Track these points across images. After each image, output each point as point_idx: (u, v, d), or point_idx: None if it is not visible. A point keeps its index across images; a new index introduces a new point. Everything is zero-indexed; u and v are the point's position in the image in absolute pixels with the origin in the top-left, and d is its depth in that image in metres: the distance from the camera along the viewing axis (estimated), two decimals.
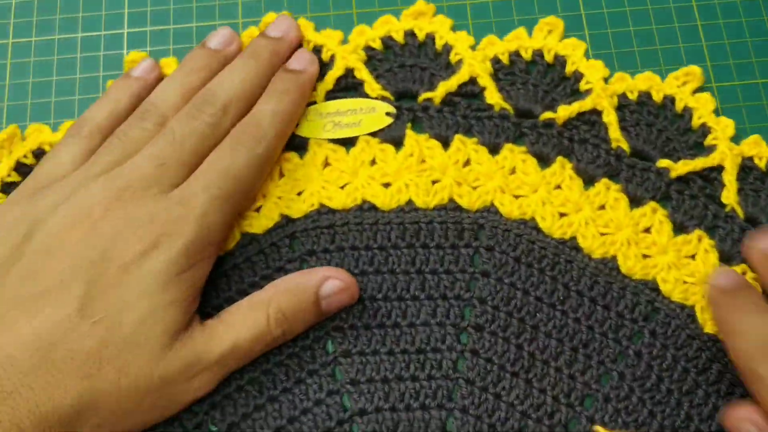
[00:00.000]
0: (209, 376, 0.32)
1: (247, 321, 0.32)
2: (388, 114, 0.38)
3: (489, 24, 0.41)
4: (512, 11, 0.42)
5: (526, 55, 0.40)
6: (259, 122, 0.35)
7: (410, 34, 0.40)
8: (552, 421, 0.33)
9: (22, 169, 0.37)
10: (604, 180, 0.37)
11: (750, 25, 0.41)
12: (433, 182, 0.37)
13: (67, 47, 0.41)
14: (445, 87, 0.38)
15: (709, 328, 0.35)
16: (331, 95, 0.39)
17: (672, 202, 0.37)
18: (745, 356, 0.32)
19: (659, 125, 0.38)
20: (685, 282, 0.35)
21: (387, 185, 0.37)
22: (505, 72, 0.39)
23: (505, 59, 0.40)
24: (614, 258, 0.36)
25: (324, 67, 0.39)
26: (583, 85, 0.39)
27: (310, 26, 0.40)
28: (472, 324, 0.35)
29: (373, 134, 0.38)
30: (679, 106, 0.39)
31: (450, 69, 0.39)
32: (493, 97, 0.38)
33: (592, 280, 0.35)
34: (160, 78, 0.38)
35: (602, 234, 0.36)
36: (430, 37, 0.40)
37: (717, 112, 0.39)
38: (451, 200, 0.37)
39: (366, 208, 0.37)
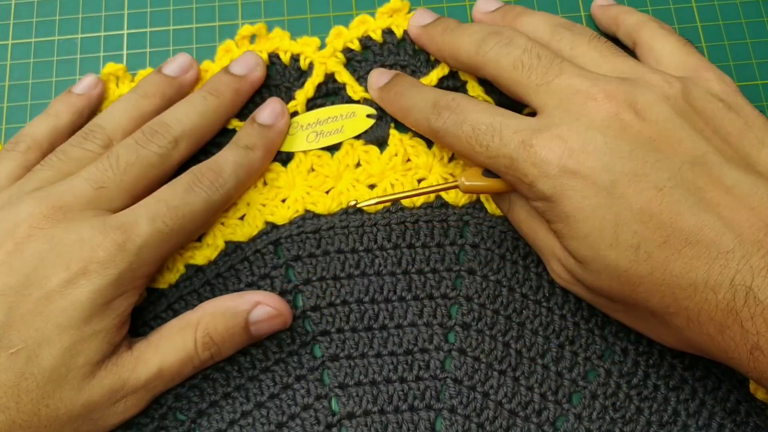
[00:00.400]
0: (135, 400, 0.31)
1: (175, 344, 0.32)
2: (368, 116, 0.38)
3: None
4: None
5: None
6: (221, 170, 0.34)
7: (388, 32, 0.40)
8: (540, 418, 0.33)
9: None
10: None
11: (750, 26, 0.41)
12: (419, 181, 0.37)
13: (67, 48, 0.41)
14: (426, 82, 0.38)
15: None
16: (312, 102, 0.39)
17: None
18: (422, 120, 0.34)
19: None
20: None
21: (372, 186, 0.37)
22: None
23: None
24: None
25: (303, 74, 0.39)
26: None
27: (286, 36, 0.40)
28: (459, 323, 0.35)
29: (357, 136, 0.38)
30: None
31: (431, 65, 0.39)
32: (474, 89, 0.38)
33: None
34: (104, 95, 0.38)
35: None
36: (408, 34, 0.40)
37: None
38: (438, 197, 0.37)
39: (351, 211, 0.37)
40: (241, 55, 0.38)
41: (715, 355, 0.28)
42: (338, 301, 0.35)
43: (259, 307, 0.33)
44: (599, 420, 0.33)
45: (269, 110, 0.37)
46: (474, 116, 0.32)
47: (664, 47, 0.35)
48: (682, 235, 0.27)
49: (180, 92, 0.37)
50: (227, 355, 0.33)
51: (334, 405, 0.34)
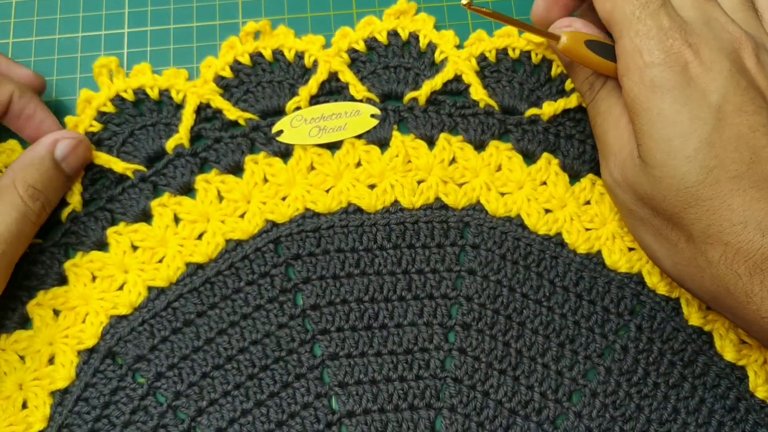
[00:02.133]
0: None
1: (3, 209, 0.33)
2: (373, 116, 0.38)
3: (489, 24, 0.41)
4: (512, 12, 0.41)
5: (513, 55, 0.39)
6: None
7: (393, 34, 0.40)
8: (540, 417, 0.33)
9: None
10: (590, 175, 0.37)
11: None
12: (419, 182, 0.37)
13: (68, 47, 0.41)
14: (431, 85, 0.38)
15: (694, 320, 0.35)
16: (315, 100, 0.39)
17: None
18: None
19: None
20: None
21: (372, 186, 0.37)
22: (491, 69, 0.39)
23: (491, 57, 0.39)
24: (599, 253, 0.36)
25: (307, 72, 0.39)
26: (568, 85, 0.39)
27: (291, 33, 0.40)
28: (459, 322, 0.35)
29: (359, 136, 0.38)
30: None
31: (434, 68, 0.39)
32: (478, 93, 0.38)
33: (577, 275, 0.35)
34: None
35: (587, 229, 0.36)
36: (414, 36, 0.40)
37: None
38: (437, 199, 0.37)
39: (351, 210, 0.37)
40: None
41: (732, 297, 0.30)
42: (338, 300, 0.35)
43: (59, 143, 0.35)
44: (599, 418, 0.33)
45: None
46: None
47: None
48: (754, 176, 0.29)
49: None
50: (56, 202, 0.36)
51: (334, 404, 0.34)
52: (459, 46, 0.40)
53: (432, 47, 0.40)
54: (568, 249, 0.36)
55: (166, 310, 0.35)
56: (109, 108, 0.38)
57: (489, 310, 0.35)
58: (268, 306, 0.35)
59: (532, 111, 0.38)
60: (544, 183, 0.37)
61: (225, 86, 0.39)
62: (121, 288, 0.36)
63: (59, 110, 0.39)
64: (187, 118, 0.38)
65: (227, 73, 0.39)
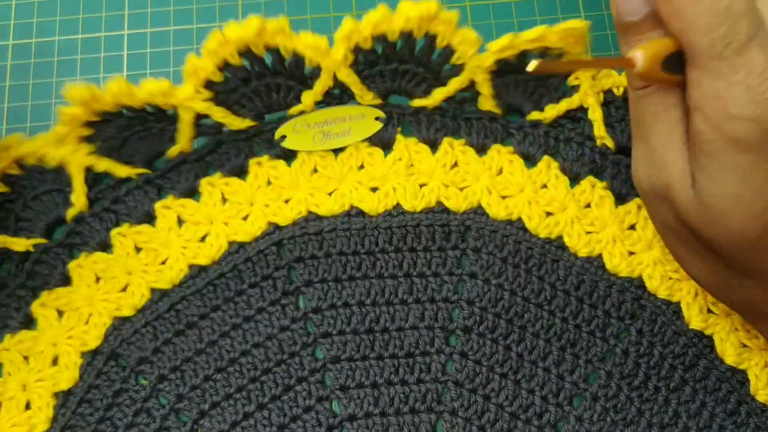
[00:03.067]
0: None
1: None
2: (377, 119, 0.38)
3: (489, 26, 0.41)
4: (512, 13, 0.41)
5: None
6: None
7: (401, 37, 0.39)
8: (541, 421, 0.33)
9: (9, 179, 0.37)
10: (590, 178, 0.37)
11: None
12: (421, 185, 0.37)
13: (68, 49, 0.41)
14: (444, 93, 0.37)
15: (695, 324, 0.35)
16: (319, 103, 0.39)
17: None
18: None
19: None
20: (670, 278, 0.35)
21: (375, 189, 0.37)
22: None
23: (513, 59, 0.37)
24: (600, 256, 0.36)
25: (311, 75, 0.39)
26: (571, 80, 0.39)
27: (293, 35, 0.40)
28: (461, 326, 0.35)
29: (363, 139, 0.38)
30: None
31: (444, 74, 0.38)
32: (486, 103, 0.38)
33: (578, 279, 0.35)
34: None
35: (588, 232, 0.36)
36: (414, 39, 0.40)
37: None
38: (439, 203, 0.37)
39: (354, 213, 0.37)
40: None
41: (759, 313, 0.29)
42: (340, 303, 0.35)
43: None
44: (600, 422, 0.33)
45: None
46: None
47: None
48: None
49: None
50: None
51: (335, 407, 0.34)
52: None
53: (448, 51, 0.38)
54: (569, 252, 0.36)
55: (169, 312, 0.35)
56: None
57: (490, 314, 0.35)
58: (270, 309, 0.35)
59: (534, 115, 0.38)
60: (545, 186, 0.37)
61: (223, 89, 0.38)
62: (124, 289, 0.36)
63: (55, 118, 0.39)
64: (186, 128, 0.37)
65: (218, 78, 0.37)
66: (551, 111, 0.38)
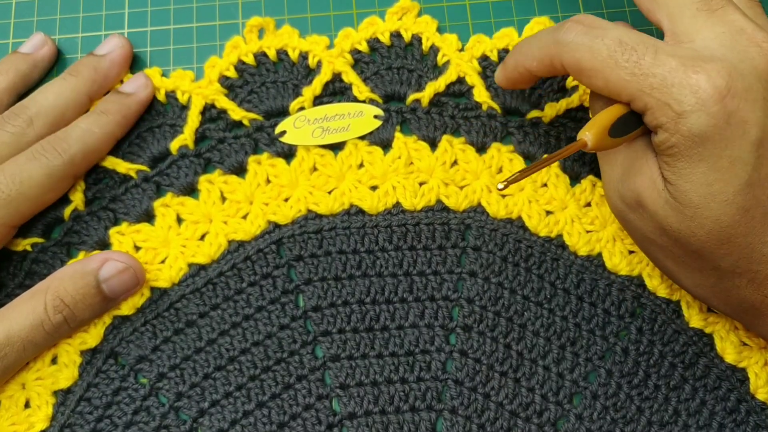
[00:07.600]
0: None
1: (23, 310, 0.32)
2: (376, 117, 0.38)
3: (489, 24, 0.41)
4: (512, 12, 0.41)
5: None
6: (68, 137, 0.35)
7: (396, 36, 0.40)
8: (541, 419, 0.33)
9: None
10: (590, 177, 0.37)
11: None
12: (421, 184, 0.37)
13: (68, 47, 0.41)
14: (433, 87, 0.38)
15: (695, 322, 0.35)
16: (319, 100, 0.39)
17: None
18: (545, 37, 0.31)
19: None
20: None
21: (374, 188, 0.37)
22: (493, 69, 0.39)
23: (493, 56, 0.39)
24: (600, 255, 0.36)
25: (311, 72, 0.39)
26: (570, 82, 0.39)
27: (295, 33, 0.40)
28: (461, 324, 0.35)
29: (362, 137, 0.38)
30: None
31: (437, 70, 0.39)
32: (481, 95, 0.38)
33: (578, 277, 0.35)
34: (53, 55, 0.39)
35: (588, 231, 0.36)
36: (417, 38, 0.40)
37: None
38: (439, 201, 0.37)
39: (353, 212, 0.37)
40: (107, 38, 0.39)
41: (757, 311, 0.30)
42: (340, 301, 0.35)
43: (107, 263, 0.33)
44: (600, 420, 0.33)
45: (133, 80, 0.38)
46: (617, 32, 0.29)
47: None
48: None
49: (35, 66, 0.39)
50: (85, 320, 0.34)
51: (335, 405, 0.34)
52: (461, 50, 0.40)
53: (434, 50, 0.40)
54: (569, 251, 0.36)
55: (168, 311, 0.35)
56: None
57: (490, 312, 0.35)
58: (269, 307, 0.35)
59: (534, 113, 0.38)
60: (545, 185, 0.37)
61: (229, 86, 0.39)
62: None
63: None
64: (193, 119, 0.38)
65: (232, 73, 0.39)
66: (551, 110, 0.38)
